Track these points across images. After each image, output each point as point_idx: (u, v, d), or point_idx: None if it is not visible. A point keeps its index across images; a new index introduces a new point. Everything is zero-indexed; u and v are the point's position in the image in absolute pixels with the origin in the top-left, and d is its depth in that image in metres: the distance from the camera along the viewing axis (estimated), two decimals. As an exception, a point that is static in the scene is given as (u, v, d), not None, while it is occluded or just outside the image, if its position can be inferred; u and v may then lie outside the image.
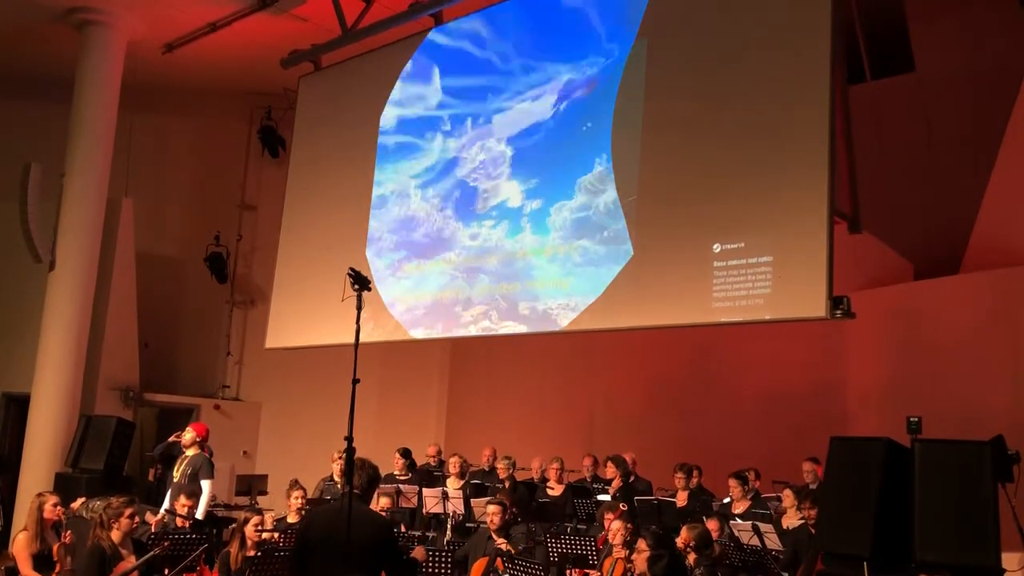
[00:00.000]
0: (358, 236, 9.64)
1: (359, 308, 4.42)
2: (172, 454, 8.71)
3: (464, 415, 12.24)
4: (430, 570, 5.83)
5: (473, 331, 8.47)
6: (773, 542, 6.65)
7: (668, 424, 10.26)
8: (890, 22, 8.94)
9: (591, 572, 6.57)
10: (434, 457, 9.76)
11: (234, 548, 6.28)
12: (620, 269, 7.34)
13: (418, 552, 5.07)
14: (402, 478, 9.10)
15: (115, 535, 5.72)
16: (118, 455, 9.24)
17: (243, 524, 6.38)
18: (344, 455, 4.27)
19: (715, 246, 6.71)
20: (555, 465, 8.62)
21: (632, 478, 8.47)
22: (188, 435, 8.31)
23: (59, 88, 10.79)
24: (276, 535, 6.79)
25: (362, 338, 4.44)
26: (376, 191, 9.69)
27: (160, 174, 12.88)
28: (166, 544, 5.91)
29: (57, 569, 6.14)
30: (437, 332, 8.85)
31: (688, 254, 6.87)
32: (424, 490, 8.38)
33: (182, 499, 7.17)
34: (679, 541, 5.88)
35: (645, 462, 9.04)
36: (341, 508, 4.16)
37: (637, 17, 7.63)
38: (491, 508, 6.80)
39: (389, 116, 9.77)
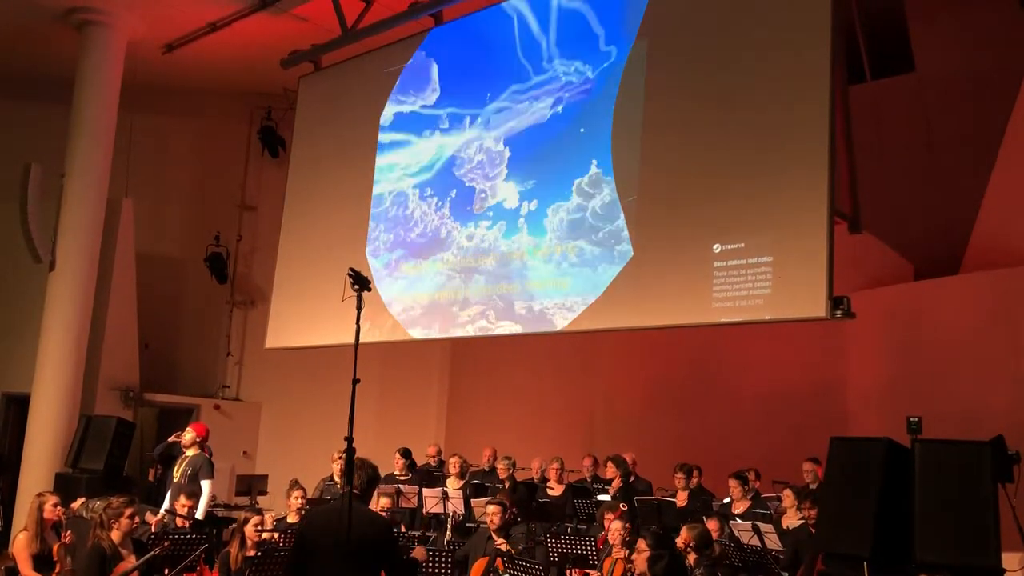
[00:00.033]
0: (358, 236, 9.65)
1: (359, 308, 4.42)
2: (172, 454, 8.71)
3: (464, 415, 12.24)
4: (430, 570, 5.83)
5: (471, 331, 8.48)
6: (773, 542, 6.65)
7: (668, 424, 10.26)
8: (890, 22, 8.93)
9: (591, 572, 6.57)
10: (434, 457, 9.76)
11: (234, 548, 6.28)
12: (619, 269, 7.34)
13: (418, 552, 5.07)
14: (402, 478, 9.10)
15: (115, 535, 5.72)
16: (118, 455, 9.24)
17: (243, 524, 6.38)
18: (344, 455, 4.27)
19: (715, 246, 6.71)
20: (555, 465, 8.62)
21: (632, 478, 8.47)
22: (188, 435, 8.31)
23: (59, 88, 10.79)
24: (276, 535, 6.79)
25: (360, 338, 4.44)
26: (374, 189, 9.70)
27: (160, 174, 12.88)
28: (166, 544, 5.90)
29: (57, 569, 6.14)
30: (434, 332, 8.86)
31: (688, 254, 6.88)
32: (424, 490, 8.38)
33: (182, 499, 7.17)
34: (679, 541, 5.88)
35: (645, 462, 9.04)
36: (340, 508, 4.16)
37: (637, 18, 7.63)
38: (491, 508, 6.80)
39: (387, 113, 9.77)
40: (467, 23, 9.15)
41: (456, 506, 8.15)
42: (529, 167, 8.29)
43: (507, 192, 8.43)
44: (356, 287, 4.43)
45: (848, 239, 6.86)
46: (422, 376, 12.52)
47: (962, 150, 8.80)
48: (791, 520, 7.14)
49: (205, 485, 7.94)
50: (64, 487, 8.61)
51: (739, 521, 7.10)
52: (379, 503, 7.75)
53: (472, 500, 8.20)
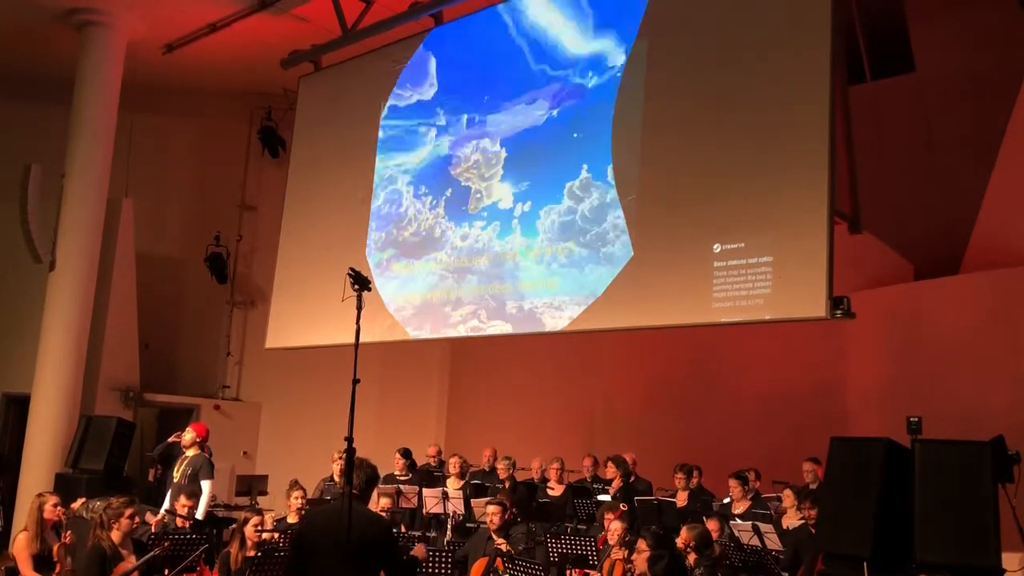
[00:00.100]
0: (358, 236, 9.65)
1: (359, 308, 4.42)
2: (172, 454, 8.71)
3: (464, 415, 12.24)
4: (430, 570, 5.82)
5: (462, 331, 8.50)
6: (773, 542, 6.65)
7: (668, 424, 10.26)
8: (890, 22, 8.93)
9: (591, 572, 6.57)
10: (434, 457, 9.76)
11: (234, 548, 6.28)
12: (605, 271, 7.41)
13: (418, 550, 5.08)
14: (402, 478, 9.10)
15: (115, 535, 5.72)
16: (118, 455, 9.24)
17: (243, 524, 6.38)
18: (344, 455, 4.27)
19: (715, 246, 6.71)
20: (555, 465, 8.62)
21: (632, 478, 8.47)
22: (188, 435, 8.31)
23: (59, 88, 10.79)
24: (276, 535, 6.79)
25: (360, 338, 4.44)
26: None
27: (160, 174, 12.87)
28: (166, 544, 5.90)
29: (57, 569, 6.14)
30: (425, 333, 8.87)
31: (688, 254, 6.88)
32: (424, 490, 8.38)
33: (182, 499, 7.17)
34: (679, 541, 5.88)
35: (645, 462, 9.04)
36: (339, 509, 4.16)
37: (637, 18, 7.63)
38: (491, 508, 6.81)
39: (384, 108, 9.78)
40: (467, 23, 9.15)
41: (456, 506, 8.15)
42: (524, 169, 8.31)
43: (502, 193, 8.45)
44: (356, 287, 4.43)
45: (848, 239, 6.86)
46: (422, 376, 12.52)
47: (962, 150, 8.80)
48: (791, 520, 7.13)
49: (205, 485, 7.94)
50: (64, 487, 8.60)
51: (739, 521, 7.10)
52: (379, 503, 7.75)
53: (472, 500, 8.21)
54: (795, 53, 6.52)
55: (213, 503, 8.35)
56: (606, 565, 6.34)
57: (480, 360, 12.02)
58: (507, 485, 8.52)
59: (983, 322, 7.97)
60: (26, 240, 10.13)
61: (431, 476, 9.26)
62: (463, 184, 8.83)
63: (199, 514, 7.39)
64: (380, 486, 7.72)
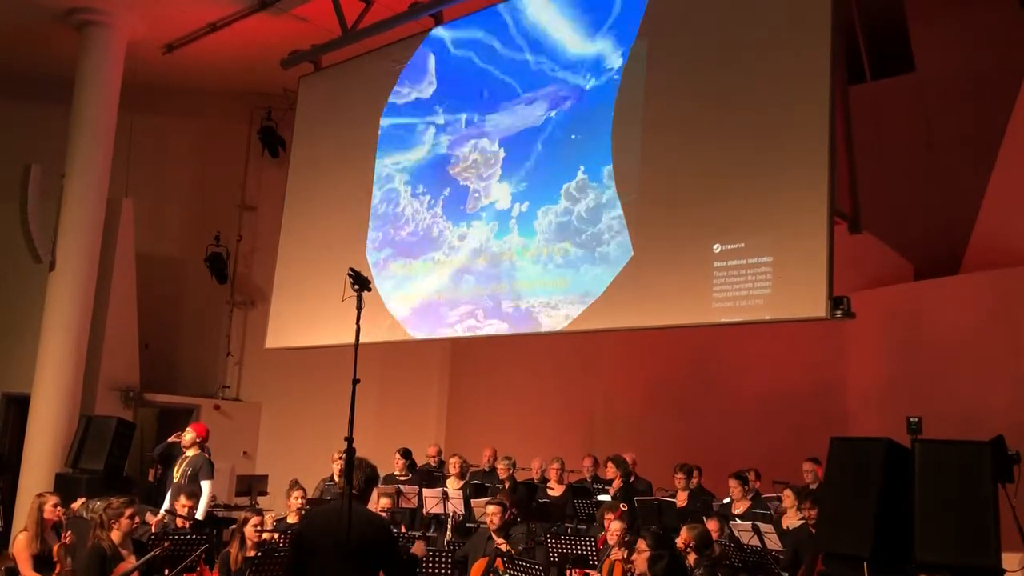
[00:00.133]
0: (358, 236, 9.65)
1: (359, 308, 4.42)
2: (172, 454, 8.71)
3: (464, 415, 12.24)
4: (430, 570, 5.82)
5: (459, 331, 8.51)
6: (773, 542, 6.64)
7: (668, 424, 10.25)
8: (890, 22, 8.93)
9: (591, 572, 6.57)
10: (434, 457, 9.76)
11: (234, 548, 6.28)
12: (599, 271, 7.43)
13: (417, 547, 5.06)
14: (402, 478, 9.10)
15: (115, 535, 5.72)
16: (118, 455, 9.24)
17: (243, 524, 6.39)
18: (344, 455, 4.27)
19: (715, 246, 6.71)
20: (555, 465, 8.61)
21: (632, 478, 8.47)
22: (188, 435, 8.31)
23: (59, 88, 10.79)
24: (276, 535, 6.79)
25: (360, 338, 4.44)
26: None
27: (160, 174, 12.87)
28: (166, 544, 5.90)
29: (57, 570, 6.13)
30: (422, 333, 8.87)
31: (688, 254, 6.88)
32: (424, 490, 8.38)
33: (182, 499, 7.17)
34: (679, 541, 5.88)
35: (645, 462, 9.03)
36: (339, 509, 4.16)
37: (637, 18, 7.63)
38: (491, 508, 6.81)
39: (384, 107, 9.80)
40: (467, 23, 9.14)
41: (456, 506, 8.15)
42: (522, 169, 8.32)
43: (500, 193, 8.45)
44: (356, 287, 4.43)
45: (848, 239, 6.86)
46: (422, 376, 12.52)
47: (962, 150, 8.80)
48: (791, 520, 7.13)
49: (205, 485, 7.94)
50: (64, 487, 8.60)
51: (739, 521, 7.10)
52: (379, 503, 7.75)
53: (472, 500, 8.20)
54: (795, 53, 6.52)
55: (213, 503, 8.35)
56: (606, 565, 6.34)
57: (480, 360, 12.02)
58: (507, 485, 8.52)
59: (983, 322, 7.97)
60: (26, 240, 10.13)
61: (431, 476, 9.26)
62: (461, 184, 8.83)
63: (199, 514, 7.39)
64: (380, 486, 7.72)
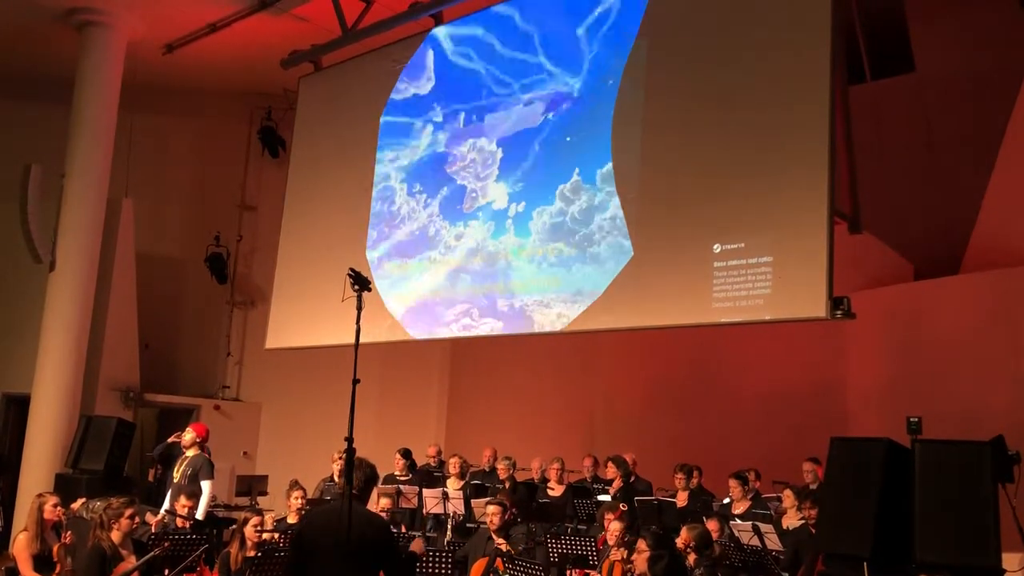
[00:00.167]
0: (358, 236, 9.64)
1: (359, 308, 4.42)
2: (172, 454, 8.71)
3: (464, 415, 12.24)
4: (430, 571, 5.82)
5: (455, 330, 8.52)
6: (773, 542, 6.64)
7: (668, 424, 10.25)
8: (890, 22, 8.93)
9: (591, 572, 6.57)
10: (434, 457, 9.76)
11: (234, 548, 6.28)
12: (591, 270, 7.45)
13: (416, 545, 5.06)
14: (402, 478, 9.10)
15: (115, 536, 5.72)
16: (118, 455, 9.24)
17: (243, 525, 6.38)
18: (344, 455, 4.27)
19: (715, 246, 6.71)
20: (555, 465, 8.61)
21: (632, 478, 8.47)
22: (188, 436, 8.31)
23: (59, 88, 10.79)
24: (276, 535, 6.79)
25: (360, 338, 4.44)
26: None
27: (160, 174, 12.87)
28: (166, 544, 5.90)
29: (57, 570, 6.13)
30: (418, 333, 8.87)
31: (688, 254, 6.88)
32: (424, 490, 8.38)
33: (182, 499, 7.17)
34: (679, 541, 5.88)
35: (645, 462, 9.03)
36: (339, 509, 4.16)
37: (637, 18, 7.63)
38: (491, 508, 6.80)
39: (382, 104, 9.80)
40: (467, 22, 9.14)
41: (456, 506, 8.15)
42: (519, 170, 8.32)
43: (497, 193, 8.46)
44: (356, 287, 4.43)
45: (848, 239, 6.86)
46: (422, 376, 12.51)
47: (962, 150, 8.80)
48: (791, 520, 7.13)
49: (205, 485, 7.94)
50: (64, 487, 8.60)
51: (739, 521, 7.09)
52: (379, 503, 7.74)
53: (472, 500, 8.20)
54: (795, 53, 6.52)
55: (213, 503, 8.35)
56: (606, 565, 6.34)
57: (480, 360, 12.02)
58: (507, 485, 8.52)
59: (983, 322, 7.97)
60: (26, 240, 10.13)
61: (431, 476, 9.25)
62: (459, 183, 8.83)
63: (199, 514, 7.39)
64: (380, 486, 7.72)
